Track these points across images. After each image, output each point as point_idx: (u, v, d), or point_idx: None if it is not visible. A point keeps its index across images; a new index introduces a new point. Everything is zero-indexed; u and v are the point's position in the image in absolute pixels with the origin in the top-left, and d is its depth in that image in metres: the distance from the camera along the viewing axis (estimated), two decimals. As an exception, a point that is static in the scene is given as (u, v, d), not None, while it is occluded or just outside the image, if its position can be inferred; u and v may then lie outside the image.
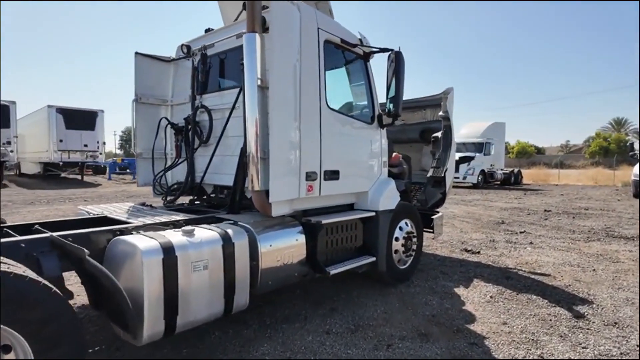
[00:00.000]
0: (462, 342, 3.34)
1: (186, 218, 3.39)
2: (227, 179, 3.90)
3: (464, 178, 21.17)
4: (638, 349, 3.26)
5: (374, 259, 4.22)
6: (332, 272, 3.68)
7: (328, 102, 3.81)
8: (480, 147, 22.04)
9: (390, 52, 4.10)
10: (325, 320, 3.71)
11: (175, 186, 4.52)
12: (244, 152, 3.41)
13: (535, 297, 4.39)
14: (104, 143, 22.66)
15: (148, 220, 3.34)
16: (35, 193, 15.47)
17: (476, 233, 8.19)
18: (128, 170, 25.80)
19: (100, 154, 22.02)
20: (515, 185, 23.76)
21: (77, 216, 4.05)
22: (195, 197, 4.63)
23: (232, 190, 3.72)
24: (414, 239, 4.89)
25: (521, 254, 6.43)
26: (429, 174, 5.90)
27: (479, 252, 6.46)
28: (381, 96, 4.42)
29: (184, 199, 4.75)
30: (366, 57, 4.40)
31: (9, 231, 2.96)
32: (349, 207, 4.44)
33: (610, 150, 46.78)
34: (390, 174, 4.88)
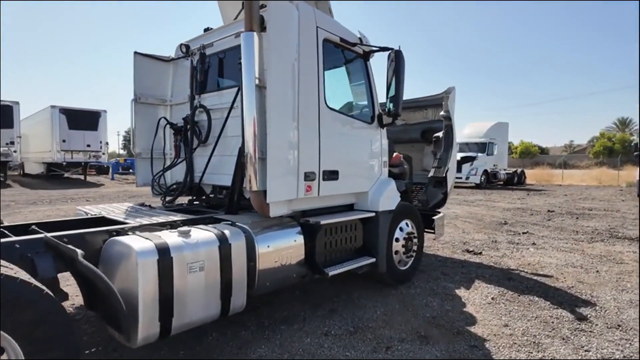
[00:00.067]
0: (462, 344, 3.30)
1: (183, 218, 3.37)
2: (225, 179, 3.87)
3: (467, 178, 21.06)
4: (639, 350, 3.22)
5: (373, 259, 4.18)
6: (331, 273, 3.65)
7: (327, 102, 3.78)
8: (483, 147, 21.96)
9: (390, 51, 4.06)
10: (324, 322, 3.67)
11: (175, 186, 4.50)
12: (242, 152, 3.38)
13: (537, 298, 4.34)
14: (107, 143, 22.74)
15: (145, 220, 3.32)
16: (37, 193, 15.51)
17: (478, 234, 8.13)
18: (131, 171, 25.86)
19: (103, 154, 22.08)
20: (518, 186, 23.64)
21: (75, 216, 4.04)
22: (194, 198, 4.61)
23: (230, 190, 3.69)
24: (415, 240, 4.85)
25: (523, 254, 6.37)
26: (430, 174, 5.86)
27: (480, 253, 6.40)
28: (381, 96, 4.39)
29: (183, 199, 4.73)
30: (366, 56, 4.36)
31: (5, 232, 2.94)
32: (349, 208, 4.40)
33: (615, 150, 46.52)
34: (391, 174, 4.84)
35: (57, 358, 1.99)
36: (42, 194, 15.28)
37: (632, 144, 25.41)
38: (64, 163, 20.75)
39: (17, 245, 2.44)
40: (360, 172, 4.29)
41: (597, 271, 5.42)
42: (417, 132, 6.61)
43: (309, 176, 3.56)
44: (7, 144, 19.07)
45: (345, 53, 4.25)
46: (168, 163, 4.65)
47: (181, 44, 4.51)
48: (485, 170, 21.54)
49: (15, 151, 19.63)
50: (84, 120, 20.70)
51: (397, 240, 4.56)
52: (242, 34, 3.23)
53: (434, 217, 5.46)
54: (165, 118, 4.61)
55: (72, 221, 3.69)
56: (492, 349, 3.24)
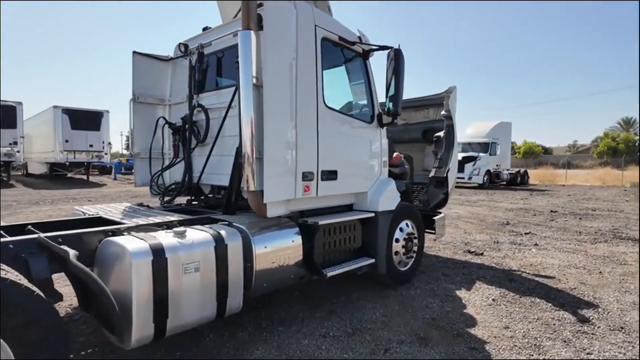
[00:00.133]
0: (462, 346, 3.26)
1: (180, 219, 3.34)
2: (224, 179, 3.83)
3: (470, 178, 20.97)
4: (639, 351, 3.16)
5: (373, 260, 4.14)
6: (329, 274, 3.61)
7: (326, 101, 3.74)
8: (486, 147, 21.86)
9: (389, 50, 4.02)
10: (323, 323, 3.64)
11: (173, 186, 4.48)
12: (239, 151, 3.35)
13: (538, 300, 4.29)
14: (110, 143, 22.77)
15: (142, 220, 3.29)
16: (40, 193, 15.56)
17: (480, 234, 8.08)
18: (133, 171, 25.87)
19: (106, 154, 22.11)
20: (521, 186, 23.51)
21: (73, 216, 4.02)
22: (193, 198, 4.59)
23: (228, 190, 3.66)
24: (415, 240, 4.80)
25: (525, 255, 6.31)
26: (431, 174, 5.81)
27: (482, 254, 6.35)
28: (381, 95, 4.35)
29: (182, 199, 4.71)
30: (365, 55, 4.32)
31: (1, 232, 2.92)
32: (348, 208, 4.36)
33: (619, 150, 46.20)
34: (392, 174, 4.80)
35: (47, 359, 1.96)
36: (44, 194, 15.32)
37: (637, 144, 25.25)
38: (67, 163, 20.81)
39: (11, 246, 2.41)
40: (359, 172, 4.25)
41: (600, 272, 5.36)
42: (418, 131, 6.56)
43: (307, 176, 3.52)
44: (10, 144, 19.16)
45: (345, 52, 4.21)
46: (167, 163, 4.63)
47: (180, 43, 4.49)
48: (488, 171, 21.45)
49: (18, 151, 19.70)
50: (86, 120, 20.75)
51: (397, 240, 4.52)
52: (239, 32, 3.20)
53: (435, 218, 5.41)
54: (163, 118, 4.59)
55: (70, 221, 3.68)
56: (492, 351, 3.19)
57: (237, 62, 3.22)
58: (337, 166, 3.87)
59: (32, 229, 3.03)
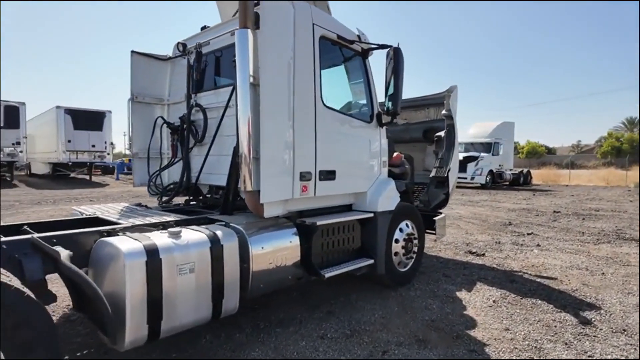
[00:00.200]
0: (462, 348, 3.22)
1: (177, 219, 3.31)
2: (222, 179, 3.80)
3: (472, 178, 20.88)
4: (639, 351, 3.12)
5: (372, 261, 4.10)
6: (327, 275, 3.57)
7: (324, 100, 3.71)
8: (488, 147, 21.76)
9: (388, 49, 3.98)
10: (321, 325, 3.60)
11: (172, 186, 4.46)
12: (236, 151, 3.32)
13: (540, 301, 4.24)
14: (112, 143, 22.83)
15: (138, 221, 3.27)
16: (42, 193, 15.60)
17: (482, 234, 8.02)
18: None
19: (108, 154, 22.17)
20: (524, 186, 23.38)
21: (70, 216, 4.01)
22: (191, 198, 4.56)
23: (225, 190, 3.63)
24: (415, 241, 4.76)
25: (527, 256, 6.25)
26: (432, 174, 5.76)
27: (483, 255, 6.30)
28: (381, 94, 4.31)
29: (181, 199, 4.68)
30: (364, 54, 4.28)
31: None
32: (348, 208, 4.33)
33: (623, 150, 45.92)
34: (392, 174, 4.76)
35: (38, 361, 1.94)
36: (46, 194, 15.36)
37: (637, 144, 25.08)
38: (70, 163, 20.87)
39: (4, 247, 2.39)
40: (358, 172, 4.21)
41: (603, 273, 5.30)
42: (419, 131, 6.51)
43: (304, 176, 3.49)
44: (13, 144, 19.24)
45: (344, 51, 4.18)
46: (165, 163, 4.61)
47: (178, 43, 4.47)
48: (491, 171, 21.35)
49: (21, 151, 19.79)
50: (89, 120, 20.80)
51: (396, 241, 4.48)
52: (236, 31, 3.18)
53: (436, 218, 5.36)
54: (162, 117, 4.57)
55: (67, 221, 3.66)
56: (492, 353, 3.15)
57: (234, 61, 3.19)
58: (336, 166, 3.83)
59: (27, 229, 3.01)
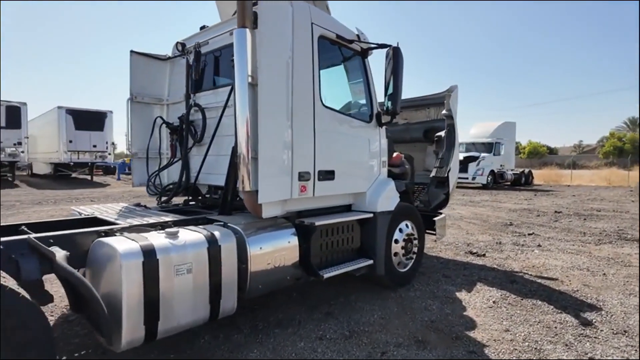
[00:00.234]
0: (461, 350, 3.20)
1: (175, 219, 3.30)
2: (221, 179, 3.79)
3: (473, 179, 20.82)
4: (638, 351, 3.09)
5: (371, 262, 4.08)
6: (326, 275, 3.56)
7: (323, 100, 3.69)
8: (490, 147, 21.71)
9: (388, 48, 3.96)
10: (320, 326, 3.59)
11: (171, 186, 4.45)
12: (235, 151, 3.31)
13: (540, 302, 4.21)
14: (113, 143, 22.87)
15: (137, 221, 3.26)
16: (44, 193, 15.63)
17: (483, 235, 7.99)
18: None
19: (109, 154, 22.20)
20: (525, 186, 23.32)
21: (70, 216, 4.00)
22: (190, 198, 4.56)
23: (224, 190, 3.62)
24: (415, 241, 4.74)
25: (528, 257, 6.23)
26: (432, 174, 5.74)
27: (484, 255, 6.27)
28: (381, 94, 4.29)
29: (180, 200, 4.68)
30: (364, 53, 4.26)
31: None
32: (347, 209, 4.31)
33: (625, 150, 45.74)
34: (392, 175, 4.74)
35: (33, 361, 1.93)
36: (48, 194, 15.38)
37: (638, 145, 24.98)
38: (71, 163, 20.90)
39: (1, 247, 2.38)
40: (357, 172, 4.19)
41: (604, 274, 5.27)
42: (419, 131, 6.49)
43: (303, 176, 3.47)
44: (15, 144, 19.28)
45: (343, 50, 4.16)
46: (164, 163, 4.60)
47: (177, 42, 4.47)
48: (492, 171, 21.29)
49: (22, 152, 19.83)
50: (90, 120, 20.83)
51: (396, 241, 4.46)
52: (234, 30, 3.17)
53: (436, 218, 5.34)
54: (161, 117, 4.56)
55: (65, 221, 3.65)
56: (491, 355, 3.13)
57: (232, 61, 3.18)
58: (335, 166, 3.81)
59: (25, 229, 3.00)
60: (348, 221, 4.01)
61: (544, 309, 4.05)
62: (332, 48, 4.01)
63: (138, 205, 4.26)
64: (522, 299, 4.30)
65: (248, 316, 3.73)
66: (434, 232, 5.38)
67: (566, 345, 3.29)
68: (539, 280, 5.00)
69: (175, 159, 4.40)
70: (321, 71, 3.75)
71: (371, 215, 4.15)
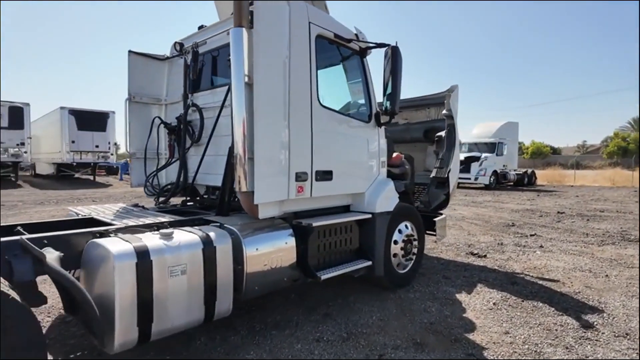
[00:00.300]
0: (460, 352, 3.16)
1: (171, 220, 3.28)
2: (219, 179, 3.76)
3: (476, 179, 20.73)
4: (638, 352, 3.04)
5: (369, 263, 4.05)
6: (324, 277, 3.53)
7: (321, 100, 3.66)
8: (492, 147, 21.63)
9: (386, 48, 3.93)
10: (317, 327, 3.56)
11: (169, 187, 4.43)
12: (231, 151, 3.29)
13: (541, 304, 4.17)
14: (116, 144, 22.93)
15: (133, 221, 3.24)
16: (46, 193, 15.68)
17: (484, 236, 7.94)
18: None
19: (112, 154, 22.27)
20: (528, 186, 23.20)
21: (67, 217, 3.99)
22: (188, 198, 4.54)
23: (221, 191, 3.60)
24: (415, 242, 4.70)
25: (530, 258, 6.17)
26: (432, 174, 5.70)
27: (485, 256, 6.22)
28: (380, 94, 4.25)
29: (179, 200, 4.65)
30: (362, 53, 4.23)
31: None
32: (346, 209, 4.28)
33: (630, 150, 45.40)
34: (392, 175, 4.71)
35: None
36: (50, 194, 15.44)
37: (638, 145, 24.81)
38: (74, 164, 20.98)
39: (-6, 248, 2.37)
40: (356, 172, 4.16)
41: (607, 276, 5.21)
42: (420, 131, 6.44)
43: (300, 177, 3.44)
44: (18, 144, 19.37)
45: (341, 50, 4.13)
46: (163, 163, 4.58)
47: (175, 42, 4.45)
48: (495, 171, 21.18)
49: (25, 152, 19.90)
50: (92, 121, 20.91)
51: (395, 242, 4.42)
52: (230, 30, 3.14)
53: (436, 219, 5.30)
54: (159, 117, 4.54)
55: (62, 222, 3.64)
56: (490, 357, 3.09)
57: (229, 60, 3.16)
58: (333, 166, 3.78)
59: (20, 230, 2.99)
60: (346, 222, 3.98)
61: (544, 311, 4.01)
62: (330, 47, 3.98)
63: (136, 205, 4.25)
64: (522, 301, 4.25)
65: (245, 317, 3.71)
66: (434, 233, 5.34)
67: (567, 348, 3.24)
68: (540, 282, 4.95)
69: (174, 159, 4.38)
70: (319, 71, 3.73)
71: (370, 216, 4.11)
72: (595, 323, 3.71)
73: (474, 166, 20.52)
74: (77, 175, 23.33)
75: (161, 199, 4.38)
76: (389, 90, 3.93)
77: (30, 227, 3.18)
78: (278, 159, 3.28)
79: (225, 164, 3.50)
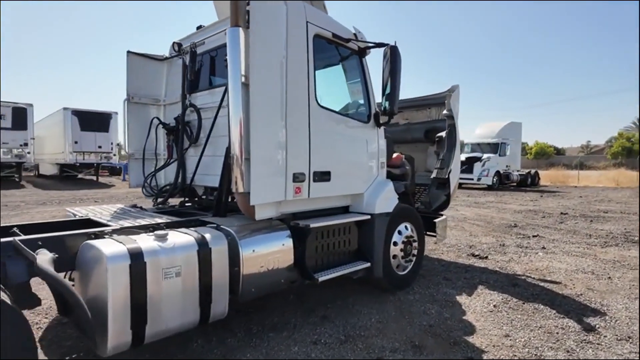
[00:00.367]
0: (459, 355, 3.12)
1: (167, 221, 3.26)
2: (217, 180, 3.74)
3: (479, 179, 20.63)
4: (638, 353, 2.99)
5: (368, 264, 4.01)
6: (321, 279, 3.50)
7: (318, 100, 3.63)
8: (495, 147, 21.52)
9: (385, 47, 3.89)
10: (315, 330, 3.52)
11: (167, 187, 4.42)
12: (228, 152, 3.26)
13: (542, 307, 4.11)
14: (118, 144, 22.97)
15: (129, 223, 3.22)
16: (49, 194, 15.72)
17: (486, 237, 7.88)
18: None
19: (114, 155, 22.33)
20: (531, 187, 23.05)
21: (64, 218, 3.97)
22: (186, 199, 4.52)
23: (218, 192, 3.58)
24: (414, 244, 4.66)
25: (532, 259, 6.11)
26: (433, 175, 5.65)
27: (486, 257, 6.17)
28: (379, 94, 4.21)
29: (177, 201, 4.64)
30: (361, 52, 4.19)
31: None
32: (344, 210, 4.24)
33: (634, 151, 45.08)
34: (392, 176, 4.67)
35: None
36: (52, 194, 15.48)
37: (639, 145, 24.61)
38: (77, 164, 21.05)
39: (-13, 249, 2.35)
40: (354, 173, 4.12)
41: (609, 278, 5.15)
42: (420, 131, 6.40)
43: (297, 177, 3.41)
44: (21, 145, 19.46)
45: (340, 50, 4.10)
46: (161, 164, 4.57)
47: (174, 42, 4.43)
48: (498, 172, 21.06)
49: (29, 152, 19.99)
50: (95, 121, 20.97)
51: (395, 244, 4.38)
52: (227, 30, 3.12)
53: (436, 220, 5.26)
54: (157, 118, 4.53)
55: (59, 223, 3.62)
56: (489, 361, 3.05)
57: (226, 60, 3.13)
58: (331, 167, 3.75)
59: (16, 231, 2.97)
60: (345, 223, 3.94)
61: (545, 313, 3.96)
62: (328, 47, 3.95)
63: (134, 206, 4.23)
64: (523, 303, 4.21)
65: (242, 319, 3.68)
66: (435, 234, 5.29)
67: (568, 351, 3.19)
68: (542, 284, 4.89)
69: (172, 160, 4.36)
70: (318, 71, 3.70)
71: (369, 217, 4.08)
72: (597, 326, 3.66)
73: (477, 166, 20.41)
74: (80, 175, 23.39)
75: (159, 199, 4.36)
76: (387, 91, 3.90)
77: (27, 228, 3.16)
78: (275, 159, 3.26)
79: (223, 165, 3.48)
